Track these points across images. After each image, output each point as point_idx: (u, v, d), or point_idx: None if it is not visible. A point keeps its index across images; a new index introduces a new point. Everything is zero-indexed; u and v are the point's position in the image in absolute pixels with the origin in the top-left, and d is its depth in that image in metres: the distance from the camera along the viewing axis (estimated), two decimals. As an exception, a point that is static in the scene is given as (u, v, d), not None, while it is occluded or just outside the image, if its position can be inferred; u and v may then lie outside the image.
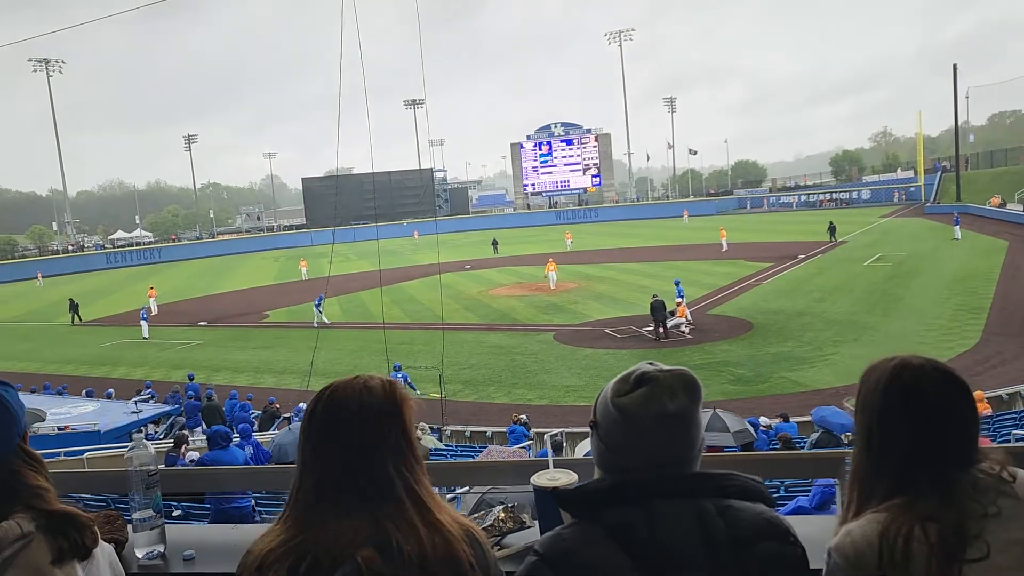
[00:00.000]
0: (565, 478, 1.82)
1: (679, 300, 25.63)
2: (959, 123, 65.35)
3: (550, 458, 1.89)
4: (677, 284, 26.60)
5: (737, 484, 1.44)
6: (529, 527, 1.95)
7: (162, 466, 2.14)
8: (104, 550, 1.60)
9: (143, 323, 33.82)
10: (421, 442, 1.55)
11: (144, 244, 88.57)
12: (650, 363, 1.49)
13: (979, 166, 70.41)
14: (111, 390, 21.81)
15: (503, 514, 1.96)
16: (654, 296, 24.87)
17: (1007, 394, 15.97)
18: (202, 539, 2.09)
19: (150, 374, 26.09)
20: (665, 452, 1.44)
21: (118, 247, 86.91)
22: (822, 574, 1.46)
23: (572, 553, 1.36)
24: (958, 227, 43.15)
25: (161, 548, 2.00)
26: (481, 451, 13.23)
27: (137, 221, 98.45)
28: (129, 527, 2.01)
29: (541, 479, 1.84)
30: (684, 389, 1.44)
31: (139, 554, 1.96)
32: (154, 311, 38.91)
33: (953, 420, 1.45)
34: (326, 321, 31.38)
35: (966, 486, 1.40)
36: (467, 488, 2.56)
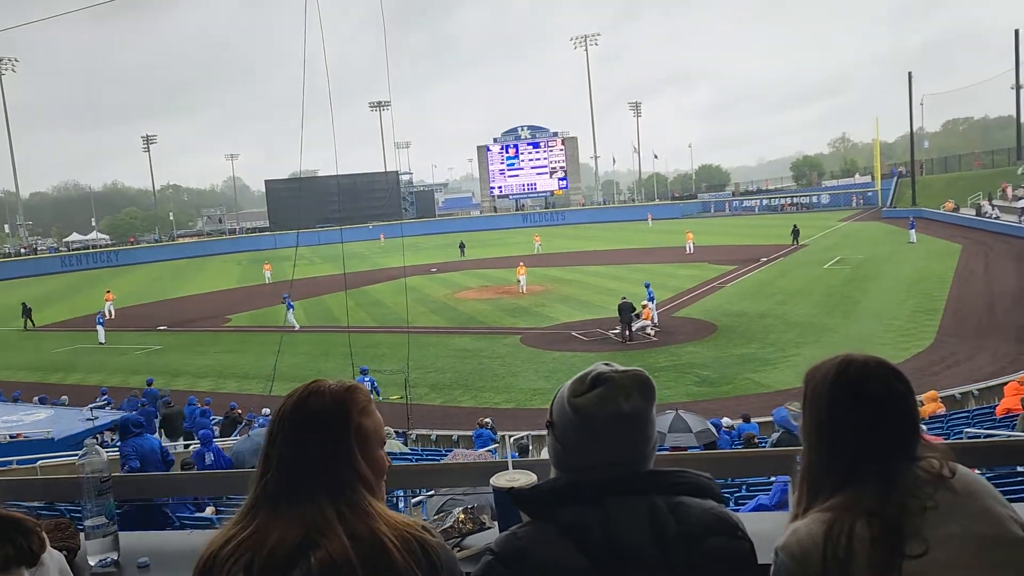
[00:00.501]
0: (524, 479, 1.83)
1: (646, 303, 25.85)
2: (914, 130, 66.91)
3: (509, 459, 1.89)
4: (647, 287, 26.78)
5: (689, 481, 1.46)
6: (489, 528, 1.95)
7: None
8: (54, 557, 1.58)
9: (99, 328, 33.09)
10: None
11: (101, 247, 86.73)
12: (606, 364, 1.51)
13: (933, 171, 72.17)
14: (64, 397, 21.30)
15: (462, 516, 1.96)
16: (622, 298, 25.06)
17: (960, 393, 16.39)
18: (156, 546, 2.05)
19: (106, 380, 25.52)
20: (620, 451, 1.46)
21: (73, 250, 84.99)
22: (770, 572, 1.48)
23: (527, 552, 1.37)
24: (913, 231, 44.29)
25: (114, 555, 1.96)
26: (447, 455, 13.18)
27: (93, 223, 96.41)
28: (81, 535, 1.97)
29: (500, 480, 1.84)
30: (639, 389, 1.46)
31: (92, 561, 1.93)
32: (111, 315, 38.17)
33: (897, 415, 1.49)
34: (295, 325, 31.00)
35: (907, 481, 1.43)
36: (432, 492, 2.55)
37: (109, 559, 1.95)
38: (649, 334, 25.06)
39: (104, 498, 1.93)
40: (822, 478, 1.50)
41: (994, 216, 47.02)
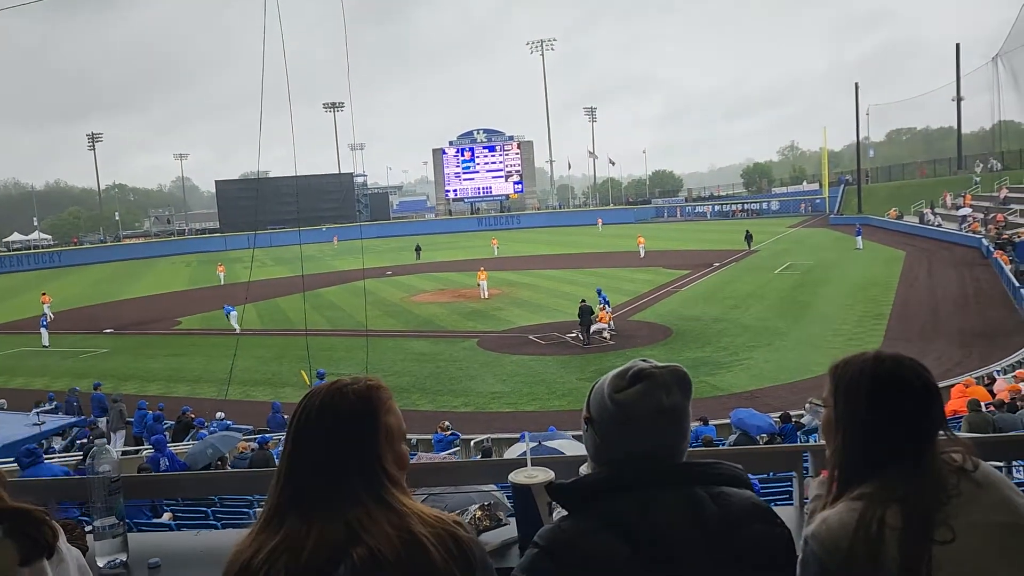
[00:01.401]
0: (542, 475, 1.85)
1: (602, 306, 26.09)
2: (860, 139, 68.90)
3: (528, 456, 1.91)
4: (600, 292, 27.05)
5: (724, 472, 1.51)
6: (505, 524, 1.97)
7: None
8: (72, 553, 1.57)
9: (43, 330, 32.03)
10: None
11: (43, 247, 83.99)
12: (644, 360, 1.54)
13: (878, 180, 74.34)
14: (3, 401, 20.53)
15: (479, 512, 1.97)
16: (582, 301, 25.23)
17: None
18: (166, 546, 2.01)
19: (51, 384, 24.69)
20: (659, 444, 1.49)
21: (14, 250, 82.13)
22: (798, 561, 1.53)
23: (572, 543, 1.40)
24: (859, 237, 45.57)
25: (123, 556, 1.92)
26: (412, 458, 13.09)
27: (35, 223, 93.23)
28: (90, 536, 1.92)
29: (519, 476, 1.86)
30: (678, 384, 1.51)
31: (100, 563, 1.89)
32: (50, 317, 37.09)
33: (931, 407, 1.56)
34: (236, 328, 30.63)
35: (934, 472, 1.50)
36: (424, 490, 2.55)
37: (119, 560, 1.91)
38: (606, 337, 25.28)
39: (114, 498, 1.89)
40: (856, 468, 1.55)
41: (936, 224, 48.62)
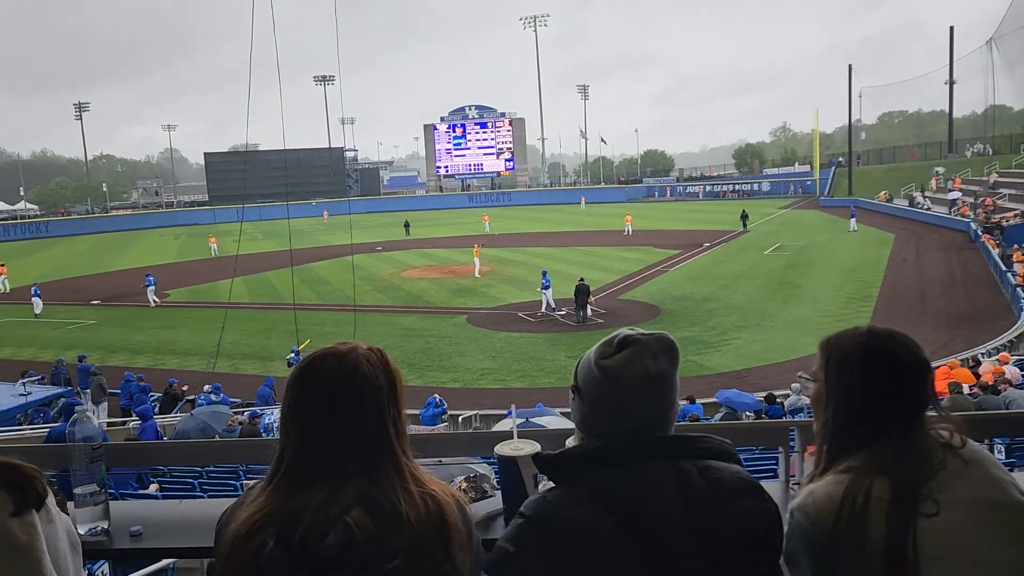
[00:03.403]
0: (529, 447, 1.84)
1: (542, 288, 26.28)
2: (852, 121, 68.88)
3: (514, 429, 1.90)
4: (544, 274, 26.92)
5: (713, 446, 1.50)
6: (491, 496, 1.96)
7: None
8: (63, 519, 1.56)
9: (35, 299, 31.91)
10: None
11: (29, 217, 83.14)
12: (631, 328, 1.53)
13: (869, 162, 74.47)
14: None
15: (465, 484, 1.96)
16: (580, 280, 25.23)
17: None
18: (148, 514, 2.00)
19: (39, 355, 24.59)
20: (646, 412, 1.48)
21: (0, 220, 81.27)
22: (784, 533, 1.53)
23: (558, 514, 1.39)
24: (854, 219, 45.56)
25: (105, 524, 1.91)
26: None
27: (21, 193, 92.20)
28: (70, 504, 1.90)
29: (504, 449, 1.85)
30: (665, 351, 1.49)
31: (81, 530, 1.86)
32: (5, 289, 37.74)
33: (922, 383, 1.57)
34: (156, 301, 32.52)
35: (922, 446, 1.51)
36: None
37: (100, 528, 1.89)
38: (540, 316, 25.70)
39: (96, 465, 1.87)
40: (844, 442, 1.56)
41: (926, 207, 48.82)
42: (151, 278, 33.68)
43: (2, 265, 39.94)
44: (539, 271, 28.51)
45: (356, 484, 1.38)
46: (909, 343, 1.59)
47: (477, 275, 35.52)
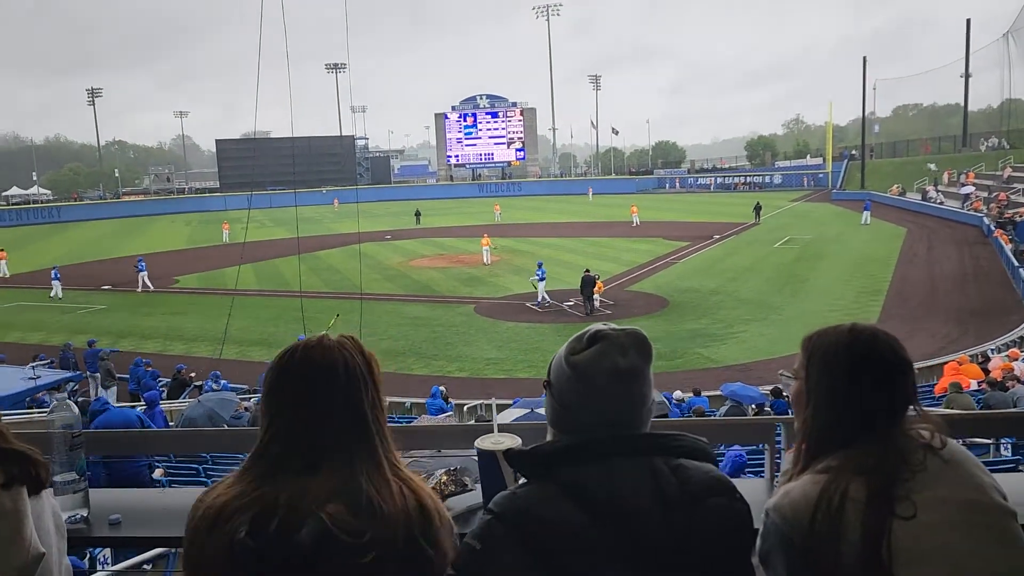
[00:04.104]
0: (509, 441, 1.82)
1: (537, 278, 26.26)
2: (866, 114, 68.27)
3: (495, 422, 1.89)
4: (539, 265, 26.79)
5: (687, 444, 1.48)
6: (471, 490, 1.95)
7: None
8: (51, 501, 1.59)
9: (55, 283, 32.34)
10: None
11: (42, 202, 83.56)
12: (603, 323, 1.52)
13: (883, 155, 73.77)
14: (2, 355, 20.58)
15: (445, 477, 1.95)
16: (586, 271, 25.19)
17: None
18: (128, 503, 2.00)
19: (49, 339, 24.78)
20: (617, 409, 1.46)
21: (13, 204, 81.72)
22: (759, 533, 1.51)
23: (527, 510, 1.37)
24: (867, 212, 45.15)
25: (84, 512, 1.91)
26: (400, 423, 13.17)
27: (34, 178, 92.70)
28: (49, 491, 1.91)
29: (485, 442, 1.84)
30: (636, 346, 1.47)
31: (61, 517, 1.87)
32: (6, 274, 38.27)
33: (903, 382, 1.55)
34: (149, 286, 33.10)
35: (900, 446, 1.48)
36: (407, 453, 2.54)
37: (79, 515, 1.90)
38: (548, 306, 25.64)
39: (75, 453, 1.87)
40: (824, 442, 1.54)
41: (939, 201, 48.39)
42: (143, 263, 34.23)
43: (1, 250, 40.27)
44: (548, 261, 28.53)
45: (333, 474, 1.37)
46: (892, 342, 1.57)
47: (486, 262, 35.61)
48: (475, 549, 1.37)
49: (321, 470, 1.37)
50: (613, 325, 1.51)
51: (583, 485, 1.39)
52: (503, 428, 1.90)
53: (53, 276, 32.73)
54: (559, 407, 1.50)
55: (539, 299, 26.13)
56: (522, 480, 1.50)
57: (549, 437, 1.56)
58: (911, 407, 1.55)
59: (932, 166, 56.24)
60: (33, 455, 1.54)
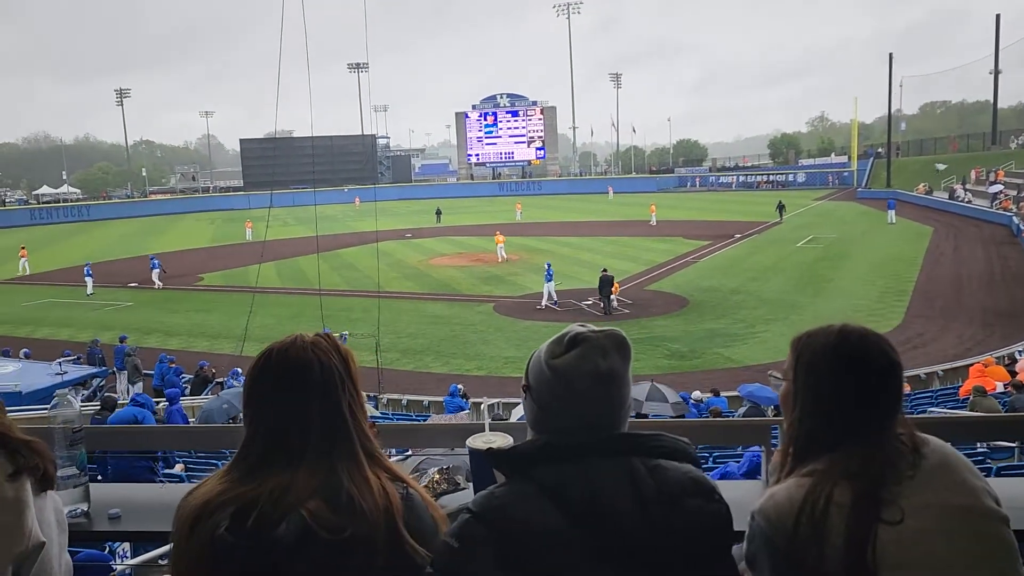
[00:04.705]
0: (501, 440, 1.84)
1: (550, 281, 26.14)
2: (892, 111, 67.36)
3: (486, 421, 1.90)
4: (548, 266, 26.60)
5: (666, 445, 1.48)
6: (464, 489, 1.97)
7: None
8: (55, 499, 1.62)
9: (88, 279, 32.95)
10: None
11: (72, 201, 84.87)
12: (582, 324, 1.52)
13: (909, 154, 72.76)
14: (27, 350, 20.93)
15: (437, 476, 1.97)
16: (604, 270, 25.11)
17: (924, 374, 16.73)
18: (128, 498, 2.04)
19: (76, 335, 25.16)
20: (597, 411, 1.46)
21: (43, 203, 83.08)
22: (745, 536, 1.51)
23: (505, 509, 1.38)
24: (892, 211, 44.53)
25: (84, 507, 1.95)
26: (417, 421, 13.24)
27: (64, 177, 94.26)
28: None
29: (476, 441, 1.85)
30: (616, 348, 1.47)
31: (61, 512, 1.91)
32: (26, 271, 39.04)
33: (893, 386, 1.53)
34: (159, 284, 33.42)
35: (887, 450, 1.47)
36: (406, 454, 2.56)
37: (79, 510, 1.94)
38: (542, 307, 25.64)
39: (76, 448, 1.91)
40: (811, 445, 1.52)
41: (966, 200, 47.65)
42: (156, 261, 35.10)
43: (23, 248, 41.02)
44: (567, 261, 28.48)
45: (313, 471, 1.39)
46: (882, 344, 1.55)
47: (501, 259, 35.93)
48: (453, 548, 1.38)
49: (302, 467, 1.39)
50: (592, 326, 1.51)
51: (560, 484, 1.39)
52: (495, 427, 1.91)
53: (86, 273, 33.38)
54: (538, 409, 1.51)
55: (545, 299, 25.92)
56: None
57: (529, 438, 1.57)
58: (899, 410, 1.53)
59: (940, 166, 55.33)
60: (40, 445, 1.57)
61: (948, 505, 1.42)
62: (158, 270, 34.41)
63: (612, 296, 25.09)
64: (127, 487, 2.13)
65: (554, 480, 1.40)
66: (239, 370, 18.02)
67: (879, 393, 1.51)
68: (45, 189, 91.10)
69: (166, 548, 4.89)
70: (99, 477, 7.73)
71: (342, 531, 1.33)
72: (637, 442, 1.47)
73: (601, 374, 1.44)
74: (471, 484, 1.93)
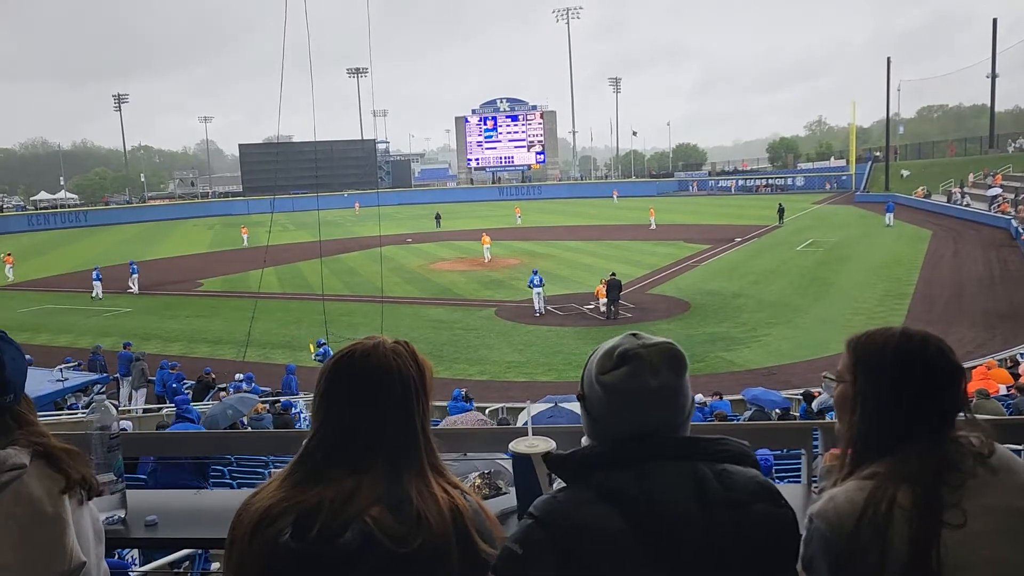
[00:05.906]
0: (544, 444, 1.82)
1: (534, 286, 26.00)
2: (890, 115, 67.50)
3: (529, 425, 1.88)
4: (535, 273, 26.47)
5: (731, 449, 1.46)
6: (505, 493, 1.95)
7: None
8: (92, 508, 1.61)
9: (96, 283, 33.08)
10: None
11: (69, 206, 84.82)
12: (634, 334, 1.49)
13: (907, 157, 72.93)
14: (29, 356, 20.85)
15: (479, 480, 1.95)
16: (612, 274, 25.06)
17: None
18: (164, 504, 2.01)
19: (75, 342, 25.10)
20: (652, 423, 1.45)
21: (41, 209, 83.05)
22: (802, 539, 1.49)
23: (566, 515, 1.37)
24: (890, 214, 44.58)
25: (122, 513, 1.93)
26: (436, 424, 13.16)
27: (62, 182, 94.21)
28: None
29: (519, 446, 1.83)
30: (667, 364, 1.44)
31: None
32: (10, 278, 38.98)
33: (953, 388, 1.52)
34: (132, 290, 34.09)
35: (949, 453, 1.46)
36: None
37: (116, 516, 1.91)
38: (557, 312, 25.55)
39: (113, 455, 1.89)
40: (870, 446, 1.51)
41: (964, 204, 47.75)
42: (135, 266, 35.22)
43: (8, 255, 40.93)
44: (568, 265, 28.47)
45: (378, 480, 1.37)
46: (943, 347, 1.54)
47: (487, 260, 36.83)
48: (516, 553, 1.36)
49: (366, 475, 1.38)
50: (645, 338, 1.48)
51: (621, 489, 1.37)
52: (538, 432, 1.89)
53: (94, 277, 33.46)
54: (592, 422, 1.50)
55: (536, 306, 25.84)
56: (559, 484, 1.50)
57: (585, 443, 1.55)
58: (960, 413, 1.52)
59: (905, 172, 55.49)
60: (80, 454, 1.57)
61: (1010, 508, 1.41)
62: (136, 275, 34.68)
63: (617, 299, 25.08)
64: (163, 493, 2.11)
65: (615, 485, 1.38)
66: (252, 375, 17.93)
67: (940, 396, 1.50)
68: (43, 195, 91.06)
69: (178, 555, 4.86)
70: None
71: (406, 541, 1.31)
72: (702, 446, 1.45)
73: (652, 391, 1.42)
74: (512, 489, 1.91)
